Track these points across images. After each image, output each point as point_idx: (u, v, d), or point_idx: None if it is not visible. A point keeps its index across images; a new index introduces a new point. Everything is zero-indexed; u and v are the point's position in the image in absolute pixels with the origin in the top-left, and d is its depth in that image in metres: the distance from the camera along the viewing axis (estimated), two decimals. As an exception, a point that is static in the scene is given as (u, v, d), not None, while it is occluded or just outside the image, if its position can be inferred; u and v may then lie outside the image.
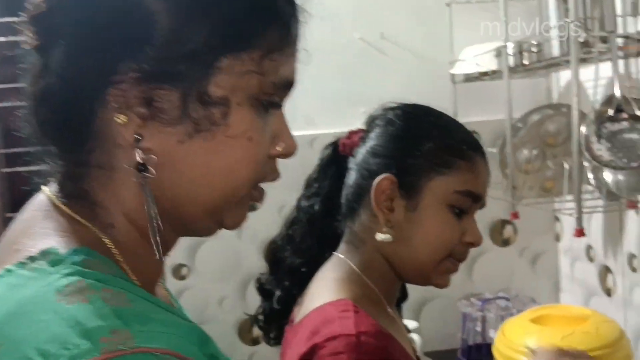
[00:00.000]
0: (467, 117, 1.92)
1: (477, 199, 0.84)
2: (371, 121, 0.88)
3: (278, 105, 0.55)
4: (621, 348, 1.33)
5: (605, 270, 1.67)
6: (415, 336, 1.68)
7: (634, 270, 1.53)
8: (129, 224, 0.52)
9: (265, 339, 0.95)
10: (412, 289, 1.88)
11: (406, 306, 1.92)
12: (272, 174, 0.57)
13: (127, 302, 0.45)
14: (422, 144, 0.82)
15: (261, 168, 0.55)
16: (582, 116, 1.20)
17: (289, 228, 0.92)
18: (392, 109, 0.87)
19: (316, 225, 0.90)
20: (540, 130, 1.55)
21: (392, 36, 1.84)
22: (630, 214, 1.53)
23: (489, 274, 1.91)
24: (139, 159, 0.49)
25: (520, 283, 1.92)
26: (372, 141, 0.85)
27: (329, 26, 1.83)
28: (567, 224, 1.87)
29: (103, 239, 0.50)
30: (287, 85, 0.55)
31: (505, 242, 1.92)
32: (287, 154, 0.57)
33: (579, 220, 1.17)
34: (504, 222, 1.92)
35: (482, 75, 1.70)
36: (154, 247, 0.51)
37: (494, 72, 1.64)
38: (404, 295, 1.00)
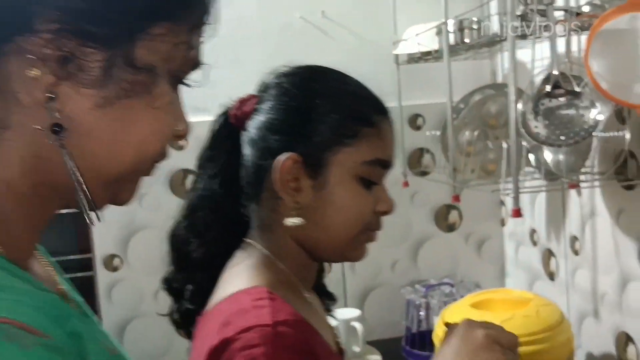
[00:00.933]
0: (411, 100, 1.88)
1: (386, 165, 0.78)
2: (264, 90, 0.80)
3: (183, 85, 0.54)
4: (562, 331, 1.30)
5: (549, 254, 1.65)
6: (357, 325, 1.63)
7: (575, 253, 1.51)
8: (7, 190, 0.47)
9: (185, 335, 0.88)
10: (357, 278, 1.85)
11: (350, 294, 1.88)
12: (166, 155, 0.55)
13: None
14: (325, 116, 0.75)
15: (167, 144, 0.53)
16: (521, 94, 1.17)
17: (189, 216, 0.83)
18: (287, 75, 0.79)
19: (220, 211, 0.81)
20: (482, 111, 1.51)
21: (334, 15, 1.78)
22: (573, 197, 1.51)
23: (435, 260, 1.88)
24: (52, 120, 0.45)
25: (466, 269, 1.89)
26: (267, 114, 0.77)
27: (268, 4, 1.76)
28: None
29: None
30: (197, 64, 0.54)
31: (451, 228, 1.89)
32: (184, 134, 0.55)
33: (516, 200, 1.13)
34: (448, 207, 1.88)
35: (425, 56, 1.65)
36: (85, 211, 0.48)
37: (436, 52, 1.59)
38: (331, 297, 0.94)
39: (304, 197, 0.75)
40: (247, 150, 0.78)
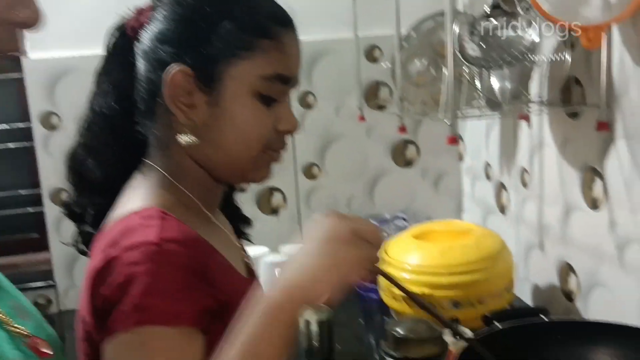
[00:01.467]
0: (368, 31, 1.82)
1: (287, 81, 0.74)
2: None
3: None
4: (501, 261, 1.30)
5: (501, 187, 1.64)
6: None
7: (524, 184, 1.50)
8: None
9: None
10: (312, 213, 1.83)
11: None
12: (9, 44, 0.51)
13: None
14: (218, 25, 0.70)
15: (8, 30, 0.49)
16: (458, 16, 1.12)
17: (86, 136, 0.78)
18: None
19: (117, 130, 0.76)
20: (432, 40, 1.46)
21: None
22: (523, 128, 1.48)
23: (391, 196, 1.86)
24: None
25: (423, 204, 1.88)
26: (159, 24, 0.72)
27: None
28: (469, 141, 1.82)
29: None
30: None
31: (408, 163, 1.86)
32: (29, 22, 0.50)
33: (453, 127, 1.09)
34: (406, 143, 1.85)
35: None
36: None
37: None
38: (246, 220, 0.91)
39: (198, 114, 0.71)
40: (141, 64, 0.74)
